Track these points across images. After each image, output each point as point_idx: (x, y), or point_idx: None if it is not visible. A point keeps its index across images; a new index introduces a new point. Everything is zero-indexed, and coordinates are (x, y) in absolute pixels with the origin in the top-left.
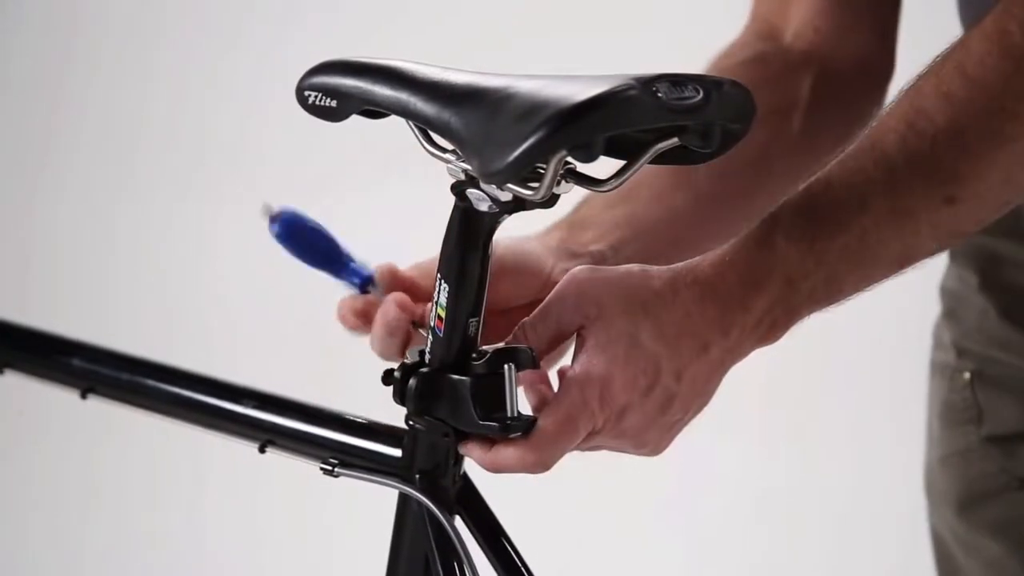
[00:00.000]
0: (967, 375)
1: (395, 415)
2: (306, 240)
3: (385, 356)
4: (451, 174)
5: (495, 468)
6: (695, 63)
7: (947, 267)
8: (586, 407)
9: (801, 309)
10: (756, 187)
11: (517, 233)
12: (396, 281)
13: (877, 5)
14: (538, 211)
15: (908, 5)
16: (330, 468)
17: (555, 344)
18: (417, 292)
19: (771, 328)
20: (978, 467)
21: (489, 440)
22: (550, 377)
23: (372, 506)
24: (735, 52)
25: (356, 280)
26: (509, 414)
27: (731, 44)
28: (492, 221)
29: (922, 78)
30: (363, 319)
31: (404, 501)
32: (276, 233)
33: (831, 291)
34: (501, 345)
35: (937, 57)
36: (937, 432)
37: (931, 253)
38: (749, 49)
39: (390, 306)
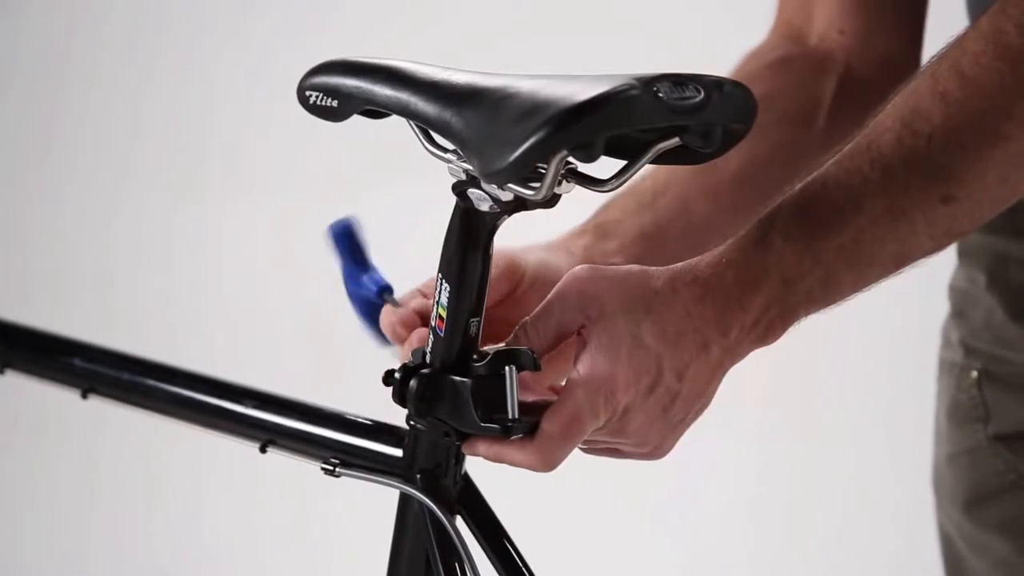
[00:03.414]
0: (974, 374)
1: (396, 415)
2: (352, 245)
3: None
4: (452, 174)
5: (500, 463)
6: (695, 63)
7: (956, 267)
8: (590, 407)
9: (798, 309)
10: (777, 193)
11: (520, 232)
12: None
13: (902, 7)
14: (540, 211)
15: None
16: (331, 468)
17: (556, 343)
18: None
19: (768, 328)
20: (985, 466)
21: (493, 439)
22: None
23: (373, 506)
24: (761, 55)
25: (373, 288)
26: (510, 416)
27: (758, 46)
28: (493, 221)
29: (918, 78)
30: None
31: (405, 501)
32: (335, 234)
33: (828, 291)
34: (502, 346)
35: (933, 57)
36: (945, 430)
37: (928, 253)
38: (775, 52)
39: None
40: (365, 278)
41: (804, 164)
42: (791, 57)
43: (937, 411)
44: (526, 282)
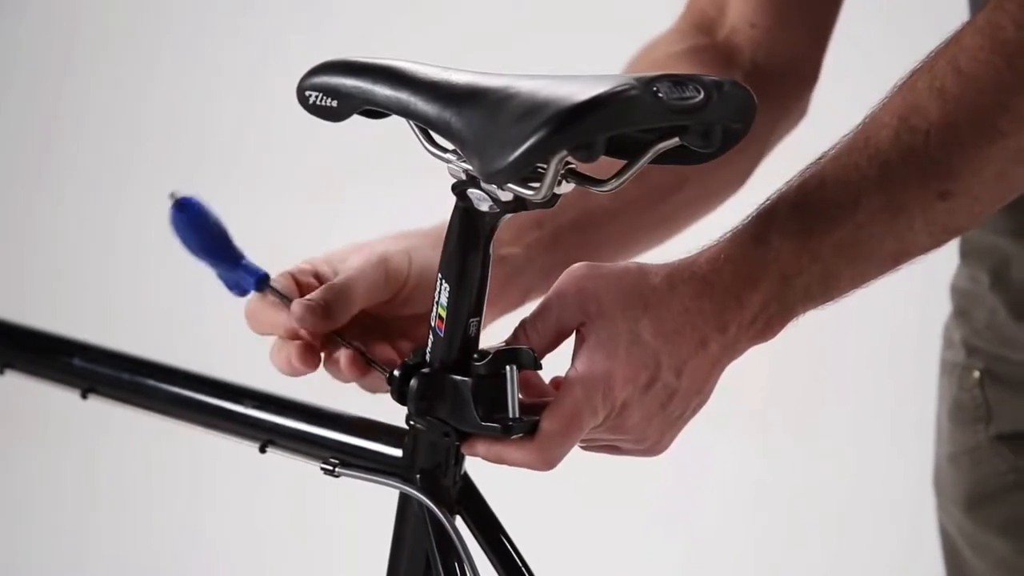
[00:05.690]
0: (976, 374)
1: (395, 415)
2: (207, 232)
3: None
4: (452, 174)
5: (500, 462)
6: None
7: (958, 266)
8: (589, 405)
9: (796, 306)
10: (676, 189)
11: None
12: (295, 288)
13: (813, 9)
14: None
15: (908, 5)
16: (331, 468)
17: (556, 342)
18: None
19: (767, 325)
20: (986, 466)
21: (493, 439)
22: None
23: (373, 506)
24: (669, 43)
25: (251, 279)
26: (511, 415)
27: (664, 33)
28: (493, 221)
29: (915, 74)
30: (268, 327)
31: (405, 501)
32: (176, 219)
33: (826, 288)
34: (503, 345)
35: (931, 53)
36: (946, 430)
37: (926, 249)
38: (683, 41)
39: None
40: (240, 270)
41: None
42: (701, 48)
43: (938, 411)
44: (411, 283)
